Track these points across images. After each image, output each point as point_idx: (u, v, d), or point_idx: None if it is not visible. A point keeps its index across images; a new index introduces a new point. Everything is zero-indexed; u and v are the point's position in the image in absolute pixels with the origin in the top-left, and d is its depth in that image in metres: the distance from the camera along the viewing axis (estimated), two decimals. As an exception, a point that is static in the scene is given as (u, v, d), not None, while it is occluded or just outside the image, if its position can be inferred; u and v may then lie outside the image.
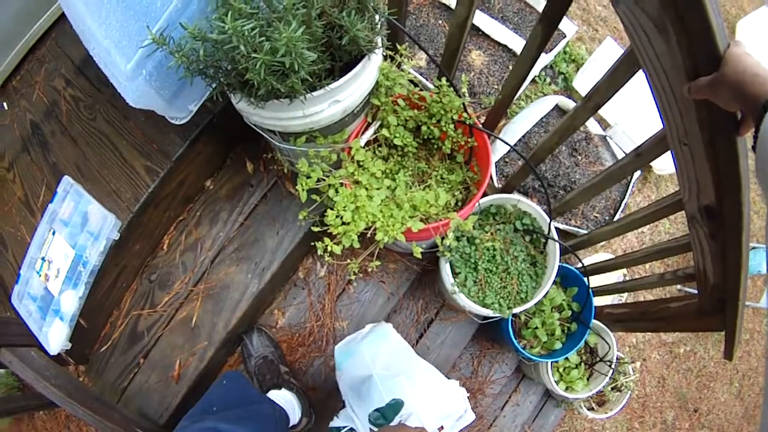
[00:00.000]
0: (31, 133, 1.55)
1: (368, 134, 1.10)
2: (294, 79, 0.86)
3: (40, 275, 1.31)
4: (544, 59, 2.01)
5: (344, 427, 1.11)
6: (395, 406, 1.00)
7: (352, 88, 0.98)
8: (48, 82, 1.58)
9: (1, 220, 1.52)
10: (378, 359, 1.12)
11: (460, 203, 1.18)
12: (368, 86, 1.02)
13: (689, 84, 0.64)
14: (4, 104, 1.68)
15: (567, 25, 2.10)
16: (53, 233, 1.31)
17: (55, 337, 1.25)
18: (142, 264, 1.43)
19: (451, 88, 1.11)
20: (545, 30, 0.98)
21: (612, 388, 1.84)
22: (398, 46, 1.08)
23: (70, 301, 1.26)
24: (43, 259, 1.32)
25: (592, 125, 2.01)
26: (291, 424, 1.28)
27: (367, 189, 1.04)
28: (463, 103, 1.12)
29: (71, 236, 1.28)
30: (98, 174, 1.36)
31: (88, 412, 1.08)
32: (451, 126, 1.13)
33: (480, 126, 1.14)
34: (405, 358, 1.17)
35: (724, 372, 2.63)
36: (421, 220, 1.04)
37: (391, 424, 0.99)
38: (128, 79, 1.03)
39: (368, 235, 1.02)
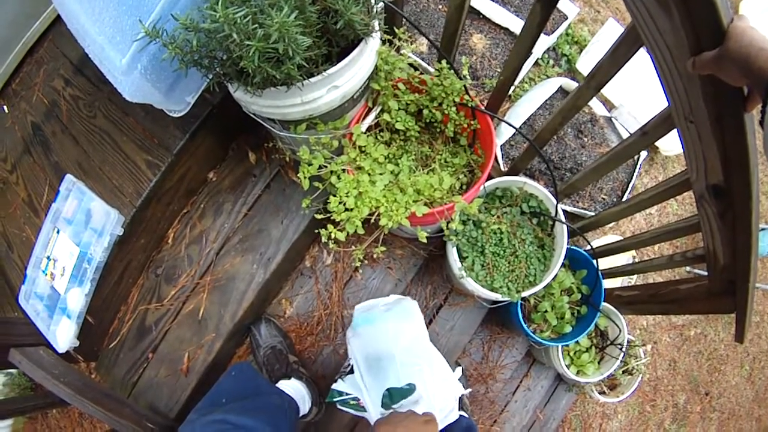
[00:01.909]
0: (32, 134, 1.55)
1: (369, 119, 1.09)
2: (289, 66, 0.85)
3: (46, 274, 1.32)
4: (547, 41, 1.98)
5: (349, 395, 1.09)
6: (406, 391, 0.99)
7: (351, 73, 0.97)
8: (47, 83, 1.58)
9: (6, 221, 1.53)
10: (401, 339, 1.10)
11: (465, 186, 1.16)
12: (367, 71, 1.01)
13: (693, 59, 0.62)
14: (5, 107, 1.69)
15: (569, 7, 2.07)
16: (57, 232, 1.31)
17: (63, 335, 1.26)
18: (147, 258, 1.43)
19: (452, 71, 1.10)
20: (544, 8, 0.96)
21: (623, 372, 1.82)
22: (396, 30, 1.07)
23: (77, 299, 1.26)
24: (48, 258, 1.32)
25: (597, 107, 1.98)
26: (301, 414, 1.28)
27: (369, 174, 1.03)
28: (465, 86, 1.10)
29: (75, 234, 1.28)
30: (100, 171, 1.36)
31: (98, 408, 1.08)
32: (453, 109, 1.11)
33: (482, 108, 1.12)
34: (425, 345, 1.15)
35: (735, 355, 2.61)
36: (426, 204, 1.03)
37: (394, 406, 0.99)
38: (124, 73, 1.03)
39: (372, 221, 1.01)
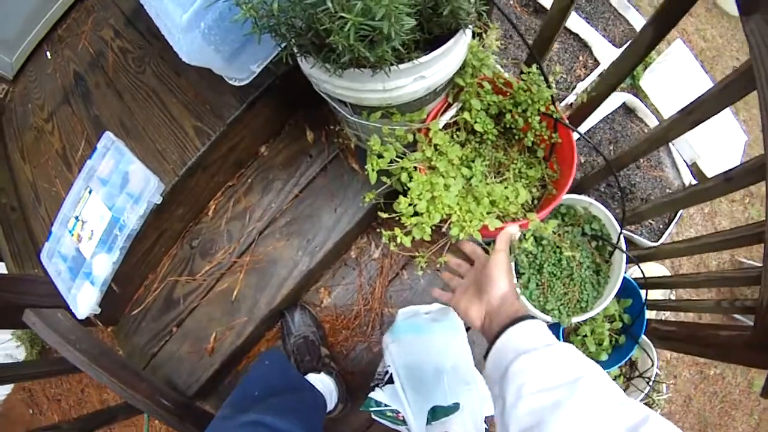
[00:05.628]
0: (74, 83, 1.48)
1: (448, 116, 1.01)
2: (385, 47, 0.76)
3: (72, 235, 1.24)
4: (615, 54, 1.90)
5: (387, 406, 1.02)
6: (451, 409, 0.94)
7: (441, 64, 0.88)
8: (95, 32, 1.51)
9: (36, 172, 1.47)
10: (450, 355, 1.04)
11: (536, 201, 1.09)
12: (456, 64, 0.93)
13: None
14: (48, 53, 1.62)
15: (638, 22, 1.98)
16: (90, 192, 1.24)
17: (84, 301, 1.19)
18: (183, 228, 1.36)
19: (542, 77, 1.01)
20: (656, 32, 0.90)
21: (645, 405, 1.77)
22: (491, 25, 0.98)
23: (103, 266, 1.19)
24: (77, 218, 1.25)
25: (655, 129, 1.91)
26: (327, 410, 1.22)
27: (443, 177, 0.95)
28: (552, 95, 1.02)
29: (109, 197, 1.21)
30: (143, 132, 1.29)
31: (112, 380, 1.02)
32: (537, 118, 1.03)
33: (566, 122, 1.04)
34: (471, 363, 1.09)
35: (747, 402, 2.56)
36: (498, 217, 0.96)
37: (434, 422, 0.93)
38: (183, 31, 0.93)
39: (442, 229, 0.94)
